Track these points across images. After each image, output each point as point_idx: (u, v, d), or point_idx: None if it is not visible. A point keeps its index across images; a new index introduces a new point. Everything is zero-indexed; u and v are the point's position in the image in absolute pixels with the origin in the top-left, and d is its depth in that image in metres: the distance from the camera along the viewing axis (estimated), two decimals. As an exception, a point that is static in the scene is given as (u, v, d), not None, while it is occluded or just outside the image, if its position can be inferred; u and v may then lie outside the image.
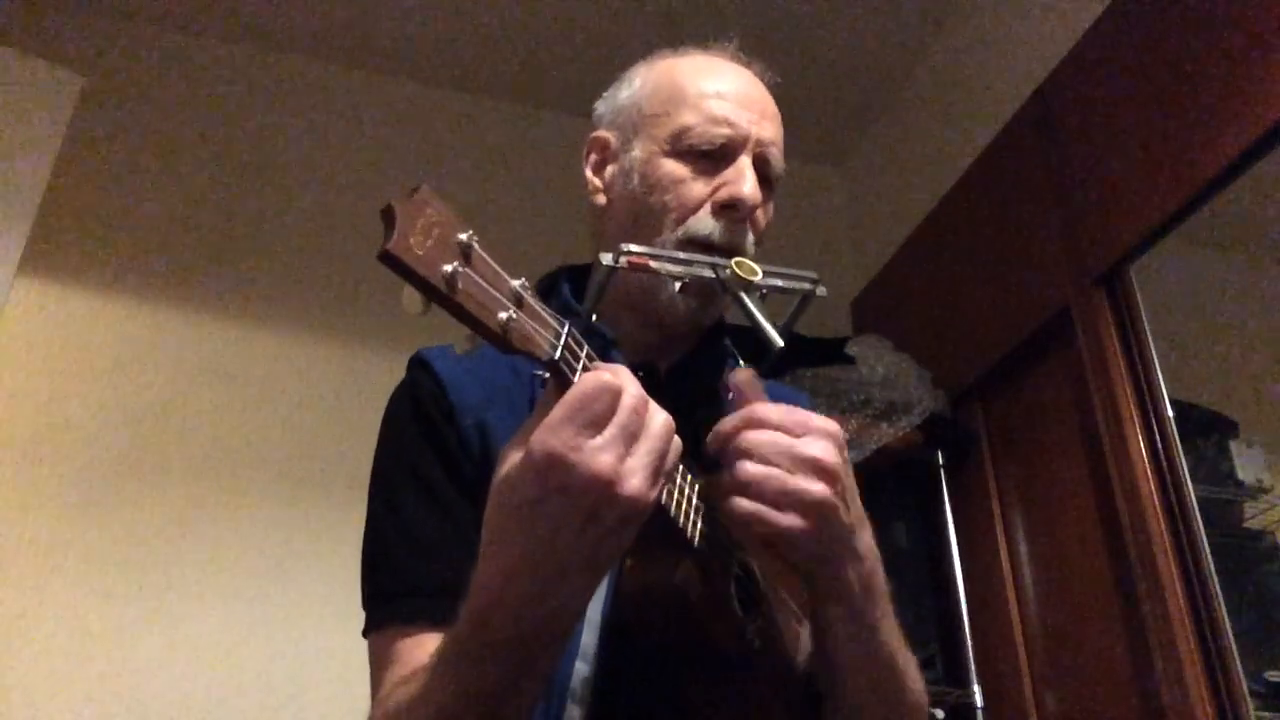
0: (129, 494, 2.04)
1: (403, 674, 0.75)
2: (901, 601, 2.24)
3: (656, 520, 0.67)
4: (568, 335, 0.62)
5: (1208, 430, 1.86)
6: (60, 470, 2.02)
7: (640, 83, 0.97)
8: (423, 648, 0.75)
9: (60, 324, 2.15)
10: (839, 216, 3.03)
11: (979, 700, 2.00)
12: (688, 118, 0.90)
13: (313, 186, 2.49)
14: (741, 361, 1.00)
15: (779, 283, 0.86)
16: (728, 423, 0.72)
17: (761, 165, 0.91)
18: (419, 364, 0.90)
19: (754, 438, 0.70)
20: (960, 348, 2.23)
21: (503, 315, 0.58)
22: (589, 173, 0.98)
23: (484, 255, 0.59)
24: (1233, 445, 1.85)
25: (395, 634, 0.79)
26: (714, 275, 0.84)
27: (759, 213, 0.92)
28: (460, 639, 0.65)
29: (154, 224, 2.33)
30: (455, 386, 0.86)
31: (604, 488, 0.59)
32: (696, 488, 0.74)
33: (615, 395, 0.60)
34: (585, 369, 0.63)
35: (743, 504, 0.68)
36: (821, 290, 0.88)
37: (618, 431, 0.59)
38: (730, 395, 0.75)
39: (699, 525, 0.74)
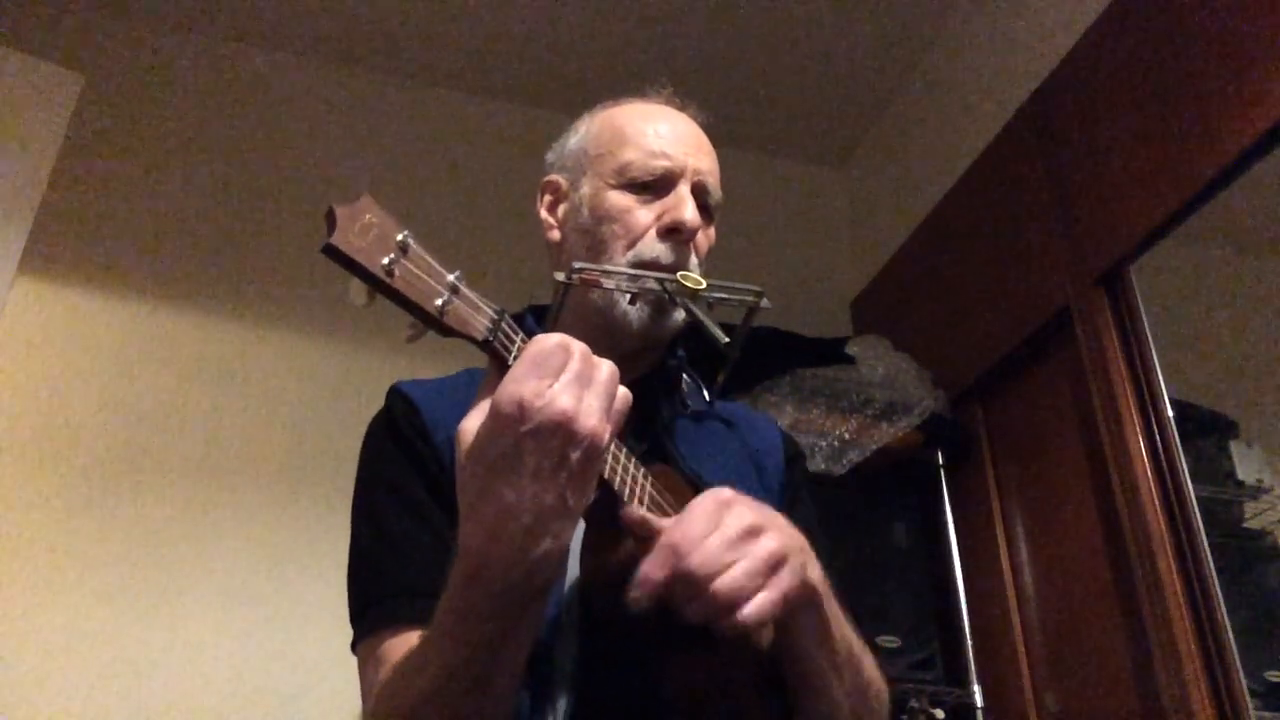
0: (129, 494, 2.04)
1: (394, 664, 0.76)
2: (902, 601, 2.25)
3: (606, 503, 0.72)
4: (503, 321, 0.68)
5: (1208, 430, 1.86)
6: (60, 470, 2.02)
7: (585, 129, 1.06)
8: (409, 645, 0.76)
9: (60, 324, 2.15)
10: (839, 216, 3.03)
11: (979, 700, 2.00)
12: (630, 154, 0.99)
13: (312, 186, 2.49)
14: (687, 375, 1.06)
15: (723, 295, 0.93)
16: (654, 564, 0.68)
17: (700, 194, 0.99)
18: (394, 392, 0.97)
19: (699, 559, 0.68)
20: (960, 348, 2.23)
21: (439, 301, 0.64)
22: (543, 213, 1.07)
23: (420, 251, 0.65)
24: (1233, 445, 1.85)
25: (382, 635, 0.81)
26: (661, 288, 0.90)
27: (701, 236, 0.99)
28: (452, 602, 0.69)
29: (154, 224, 2.33)
30: (428, 407, 0.92)
31: (568, 425, 0.64)
32: (643, 471, 0.78)
33: (567, 349, 0.66)
34: (523, 344, 0.68)
35: (734, 620, 0.67)
36: (766, 303, 0.94)
37: (572, 377, 0.65)
38: (632, 533, 0.74)
39: (645, 504, 0.77)
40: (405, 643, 0.77)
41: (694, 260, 0.97)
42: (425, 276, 0.64)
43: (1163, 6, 1.77)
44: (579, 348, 0.66)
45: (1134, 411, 1.72)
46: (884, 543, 2.17)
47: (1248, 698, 1.49)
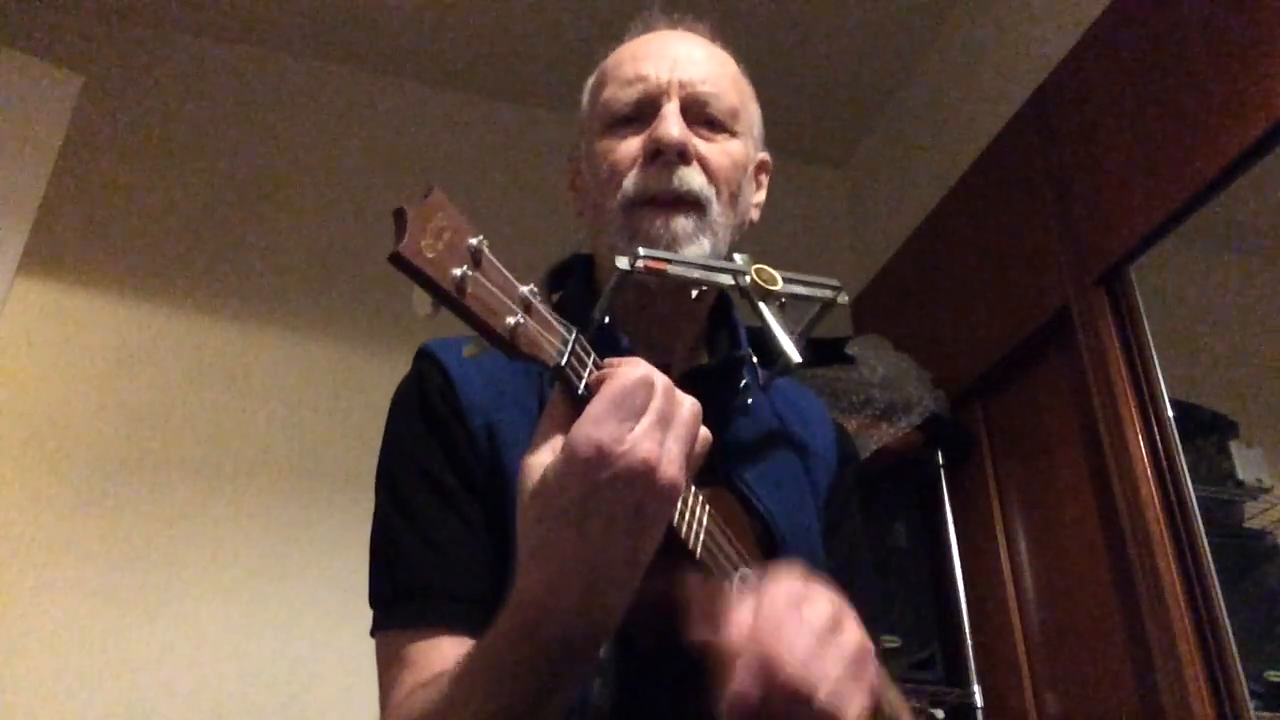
0: (129, 494, 2.04)
1: (420, 679, 0.73)
2: (901, 601, 2.25)
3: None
4: (575, 342, 0.62)
5: (1208, 430, 1.86)
6: (60, 470, 2.02)
7: (586, 88, 0.99)
8: (438, 651, 0.73)
9: (60, 324, 2.15)
10: (839, 216, 3.03)
11: (979, 700, 2.00)
12: (608, 91, 0.91)
13: (312, 186, 2.49)
14: (759, 372, 0.95)
15: (800, 290, 0.85)
16: (746, 679, 0.60)
17: (696, 106, 0.88)
18: (427, 357, 0.87)
19: (795, 670, 0.60)
20: (960, 348, 2.23)
21: (510, 320, 0.58)
22: (570, 191, 1.00)
23: (494, 260, 0.59)
24: (1233, 445, 1.85)
25: (408, 636, 0.77)
26: (733, 283, 0.82)
27: (712, 151, 0.87)
28: (497, 652, 0.63)
29: (154, 224, 2.33)
30: (464, 384, 0.84)
31: (649, 475, 0.58)
32: (700, 499, 0.72)
33: (649, 386, 0.60)
34: (596, 369, 0.63)
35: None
36: (843, 298, 0.87)
37: (655, 420, 0.59)
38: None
39: (701, 538, 0.72)
40: (434, 649, 0.74)
41: (689, 179, 0.85)
42: (497, 291, 0.58)
43: (1162, 7, 1.77)
44: (661, 383, 0.61)
45: (1134, 411, 1.72)
46: (884, 543, 2.17)
47: (1248, 698, 1.49)
